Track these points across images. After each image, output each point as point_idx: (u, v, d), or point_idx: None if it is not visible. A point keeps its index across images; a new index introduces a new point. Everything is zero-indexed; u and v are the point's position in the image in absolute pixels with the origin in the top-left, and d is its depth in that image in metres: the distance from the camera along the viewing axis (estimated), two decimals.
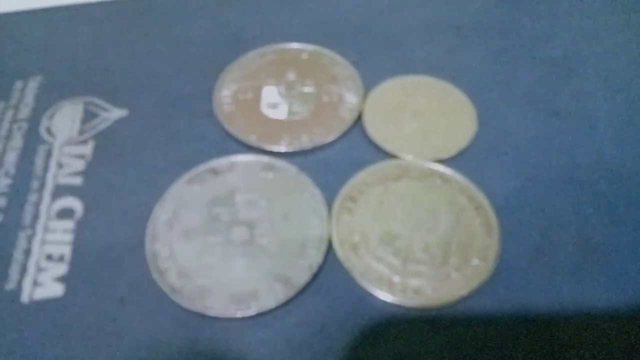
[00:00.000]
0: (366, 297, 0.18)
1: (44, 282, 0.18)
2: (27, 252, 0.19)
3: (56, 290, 0.18)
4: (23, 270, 0.19)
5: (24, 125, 0.23)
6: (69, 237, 0.20)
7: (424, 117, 0.22)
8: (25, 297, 0.18)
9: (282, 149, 0.21)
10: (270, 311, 0.18)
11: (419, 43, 0.25)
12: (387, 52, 0.25)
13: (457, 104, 0.22)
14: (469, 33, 0.26)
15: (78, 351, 0.17)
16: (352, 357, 0.17)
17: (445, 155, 0.21)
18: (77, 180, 0.21)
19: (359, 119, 0.22)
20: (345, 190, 0.20)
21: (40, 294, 0.18)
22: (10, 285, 0.18)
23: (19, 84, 0.24)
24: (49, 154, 0.22)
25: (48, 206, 0.20)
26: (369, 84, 0.23)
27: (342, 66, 0.24)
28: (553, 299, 0.18)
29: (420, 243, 0.19)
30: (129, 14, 0.28)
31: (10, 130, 0.23)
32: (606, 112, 0.23)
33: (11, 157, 0.22)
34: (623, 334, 0.17)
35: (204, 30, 0.26)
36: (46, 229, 0.20)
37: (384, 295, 0.18)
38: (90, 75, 0.25)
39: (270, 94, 0.23)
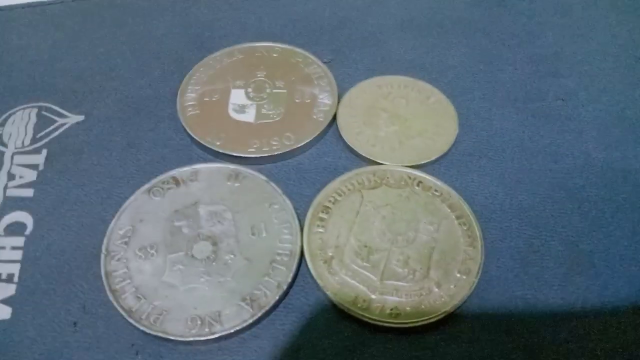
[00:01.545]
0: (341, 316, 0.17)
1: None
2: None
3: (4, 313, 0.17)
4: None
5: None
6: (18, 255, 0.18)
7: (402, 119, 0.21)
8: None
9: (250, 154, 0.20)
10: (236, 333, 0.16)
11: (397, 41, 0.24)
12: (364, 51, 0.24)
13: (437, 105, 0.21)
14: (450, 31, 0.24)
15: None
16: None
17: (425, 160, 0.20)
18: (29, 192, 0.20)
19: (333, 122, 0.21)
20: (318, 199, 0.19)
21: None
22: None
23: None
24: None
25: None
26: (344, 85, 0.22)
27: (315, 66, 0.23)
28: (540, 311, 0.17)
29: (399, 256, 0.17)
30: (90, 12, 0.26)
31: None
32: (592, 114, 0.22)
33: None
34: (613, 342, 0.16)
35: (169, 29, 0.25)
36: None
37: (360, 315, 0.16)
38: (47, 78, 0.23)
39: (237, 95, 0.22)
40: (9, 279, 0.18)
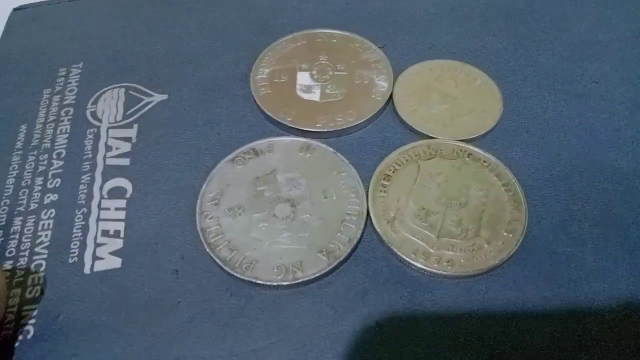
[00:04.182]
0: (403, 267, 0.19)
1: (103, 256, 0.20)
2: (85, 229, 0.20)
3: (115, 262, 0.20)
4: (83, 244, 0.20)
5: (71, 110, 0.24)
6: (122, 215, 0.21)
7: (452, 99, 0.23)
8: (87, 269, 0.20)
9: (318, 129, 0.22)
10: (315, 280, 0.19)
11: (444, 27, 0.26)
12: (414, 37, 0.26)
13: (484, 87, 0.24)
14: (492, 18, 0.27)
15: (138, 318, 0.19)
16: (391, 322, 0.18)
17: (474, 135, 0.22)
18: (125, 162, 0.22)
19: (389, 101, 0.24)
20: (380, 168, 0.21)
21: (101, 266, 0.20)
22: (72, 259, 0.20)
23: (62, 71, 0.25)
24: (97, 137, 0.23)
25: (100, 186, 0.22)
26: (397, 68, 0.25)
27: (371, 51, 0.25)
28: (577, 268, 0.19)
29: (454, 217, 0.20)
30: (162, 0, 0.28)
31: (58, 115, 0.24)
32: (624, 95, 0.24)
33: (61, 141, 0.23)
34: None
35: (235, 16, 0.27)
36: (100, 207, 0.21)
37: (420, 265, 0.19)
38: (129, 60, 0.26)
39: (303, 77, 0.24)
40: (116, 234, 0.21)
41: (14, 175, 0.22)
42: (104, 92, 0.25)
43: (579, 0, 0.27)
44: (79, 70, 0.26)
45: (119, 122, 0.24)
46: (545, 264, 0.19)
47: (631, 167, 0.22)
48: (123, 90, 0.25)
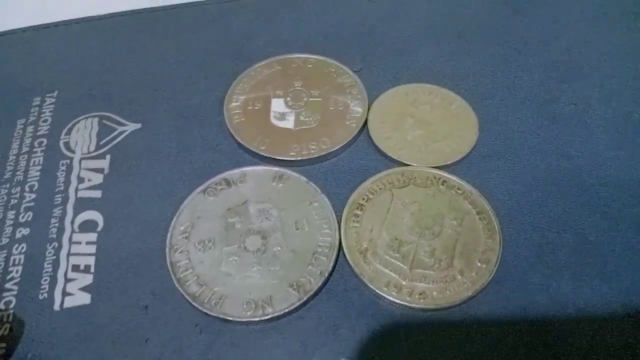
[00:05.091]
0: (376, 300, 0.19)
1: (72, 292, 0.20)
2: (56, 264, 0.20)
3: (84, 299, 0.20)
4: (53, 280, 0.20)
5: (44, 141, 0.24)
6: (92, 249, 0.21)
7: (427, 124, 0.23)
8: (56, 306, 0.19)
9: (292, 158, 0.22)
10: (285, 315, 0.19)
11: (421, 50, 0.26)
12: (390, 60, 0.26)
13: (459, 111, 0.23)
14: (469, 39, 0.26)
15: (107, 356, 0.18)
16: (364, 357, 0.18)
17: (449, 161, 0.22)
18: (97, 194, 0.22)
19: (364, 127, 0.23)
20: (353, 198, 0.21)
21: (70, 302, 0.19)
22: (42, 295, 0.20)
23: (36, 101, 0.25)
24: (69, 169, 0.23)
25: (72, 219, 0.21)
26: (373, 92, 0.24)
27: (346, 75, 0.25)
28: (553, 298, 0.19)
29: (427, 248, 0.20)
30: (138, 25, 0.28)
31: (31, 146, 0.24)
32: (602, 117, 0.23)
33: (34, 173, 0.23)
34: (620, 328, 0.18)
35: (210, 41, 0.27)
36: (71, 241, 0.21)
37: (393, 298, 0.19)
38: (103, 89, 0.26)
39: (278, 104, 0.24)
40: (87, 269, 0.20)
41: None
42: (77, 122, 0.25)
43: (556, 20, 0.27)
44: (54, 100, 0.25)
45: (91, 152, 0.23)
46: (520, 295, 0.19)
47: (609, 193, 0.21)
48: (97, 119, 0.25)
